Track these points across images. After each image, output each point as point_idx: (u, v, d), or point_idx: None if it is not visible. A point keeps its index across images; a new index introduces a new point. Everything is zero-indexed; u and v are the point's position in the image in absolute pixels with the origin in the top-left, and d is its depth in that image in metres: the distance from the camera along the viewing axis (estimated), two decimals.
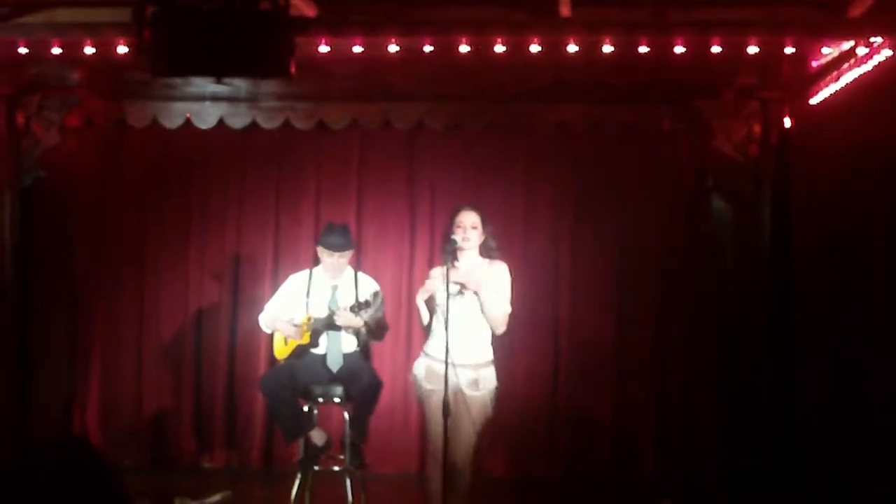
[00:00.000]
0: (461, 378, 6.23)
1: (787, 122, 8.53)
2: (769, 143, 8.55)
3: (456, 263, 6.42)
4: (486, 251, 6.55)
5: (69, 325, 9.60)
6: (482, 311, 6.36)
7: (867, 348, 7.31)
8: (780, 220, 8.58)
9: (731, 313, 9.08)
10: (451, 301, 6.15)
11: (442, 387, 6.08)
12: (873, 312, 7.23)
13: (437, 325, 6.37)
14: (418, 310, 6.49)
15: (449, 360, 6.03)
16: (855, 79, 7.43)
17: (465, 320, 6.32)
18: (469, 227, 6.45)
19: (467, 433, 6.26)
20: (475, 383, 6.31)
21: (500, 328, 6.44)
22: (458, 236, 6.39)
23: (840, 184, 7.73)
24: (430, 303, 6.43)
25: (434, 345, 6.40)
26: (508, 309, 6.45)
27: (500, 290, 6.42)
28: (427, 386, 6.38)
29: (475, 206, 6.62)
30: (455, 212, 6.56)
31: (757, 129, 8.57)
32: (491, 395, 6.39)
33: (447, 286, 6.14)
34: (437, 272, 6.44)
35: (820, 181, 8.08)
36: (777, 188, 8.60)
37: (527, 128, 9.27)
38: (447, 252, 6.32)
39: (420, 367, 6.47)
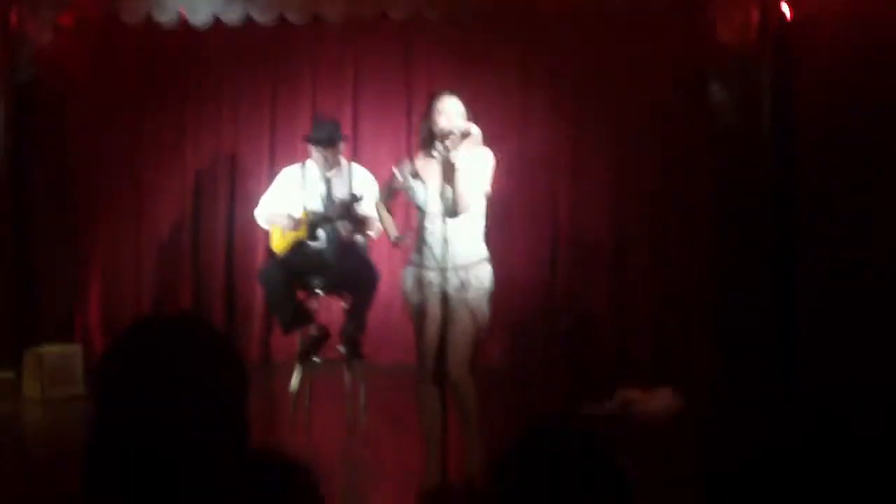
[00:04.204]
0: (450, 282, 5.62)
1: (787, 10, 8.41)
2: (768, 30, 8.45)
3: (442, 154, 5.62)
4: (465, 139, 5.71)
5: (68, 226, 9.55)
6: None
7: (872, 239, 7.24)
8: (781, 108, 8.50)
9: (730, 204, 9.02)
10: (433, 198, 5.63)
11: (430, 297, 5.67)
12: (878, 200, 7.16)
13: (423, 226, 5.78)
14: (381, 219, 6.13)
15: (433, 265, 5.62)
16: None
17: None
18: (454, 115, 5.67)
19: (459, 343, 5.65)
20: (463, 285, 5.67)
21: (461, 208, 5.60)
22: (443, 124, 5.61)
23: (841, 72, 7.61)
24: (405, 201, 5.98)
25: (419, 249, 5.80)
26: (477, 191, 5.68)
27: (473, 174, 5.64)
28: (414, 299, 5.83)
29: (456, 92, 5.80)
30: (436, 97, 5.79)
31: (755, 16, 8.47)
32: (483, 297, 5.76)
33: (444, 179, 5.54)
34: (412, 167, 5.85)
35: (821, 69, 7.95)
36: (777, 76, 8.51)
37: (523, 17, 9.15)
38: (440, 143, 5.58)
39: (407, 278, 5.88)
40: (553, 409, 7.38)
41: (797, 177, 8.40)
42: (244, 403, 2.04)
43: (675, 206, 9.22)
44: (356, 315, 7.45)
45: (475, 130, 5.78)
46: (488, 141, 5.89)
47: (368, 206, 7.34)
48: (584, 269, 9.28)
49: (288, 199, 7.63)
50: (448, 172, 5.59)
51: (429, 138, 5.77)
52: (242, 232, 9.40)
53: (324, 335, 7.55)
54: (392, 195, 6.08)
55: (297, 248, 7.55)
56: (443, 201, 5.60)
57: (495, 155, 5.82)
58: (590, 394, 7.18)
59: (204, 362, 1.99)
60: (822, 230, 7.94)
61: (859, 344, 7.14)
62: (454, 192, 5.59)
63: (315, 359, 7.50)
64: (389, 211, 6.17)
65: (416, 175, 5.84)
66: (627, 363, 9.07)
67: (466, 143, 5.76)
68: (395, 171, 5.98)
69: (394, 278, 8.79)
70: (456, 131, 5.67)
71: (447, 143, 5.63)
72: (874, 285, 7.08)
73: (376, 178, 7.62)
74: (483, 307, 5.79)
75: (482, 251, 5.84)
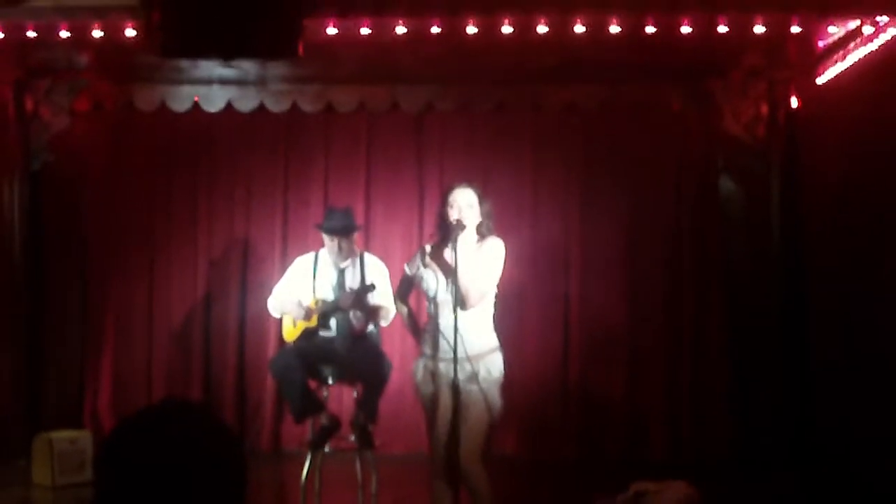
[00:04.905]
0: (461, 372, 5.61)
1: (795, 102, 8.54)
2: (777, 123, 8.58)
3: (450, 245, 5.66)
4: (481, 232, 5.88)
5: (79, 310, 9.59)
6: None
7: (880, 326, 7.29)
8: (790, 199, 8.59)
9: (742, 293, 9.09)
10: (443, 288, 5.75)
11: (442, 388, 5.72)
12: (885, 289, 7.22)
13: (434, 316, 5.86)
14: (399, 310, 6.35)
15: (444, 355, 5.69)
16: (861, 58, 7.43)
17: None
18: (465, 206, 5.78)
19: (471, 433, 5.65)
20: (474, 377, 5.67)
21: (468, 304, 5.65)
22: (454, 216, 5.74)
23: (848, 162, 7.72)
24: (418, 292, 6.11)
25: (429, 340, 5.90)
26: (486, 286, 5.75)
27: (483, 267, 5.75)
28: (425, 389, 5.91)
29: (471, 184, 5.95)
30: (449, 190, 5.94)
31: (765, 109, 8.60)
32: (495, 386, 5.78)
33: (453, 272, 5.59)
34: (424, 257, 5.93)
35: (828, 160, 8.07)
36: (786, 168, 8.60)
37: (534, 109, 9.27)
38: (450, 235, 5.66)
39: (417, 369, 5.98)
40: (567, 500, 7.34)
41: (806, 265, 8.46)
42: (243, 496, 2.06)
43: (687, 296, 9.26)
44: (367, 404, 7.41)
45: (488, 224, 5.91)
46: (499, 231, 5.98)
47: (380, 296, 7.37)
48: (597, 361, 9.28)
49: (300, 288, 7.65)
50: (457, 266, 5.63)
51: (441, 229, 5.85)
52: (254, 320, 9.39)
53: (335, 425, 7.51)
54: (409, 290, 6.21)
55: (309, 336, 7.54)
56: (452, 293, 5.66)
57: (507, 245, 5.91)
58: (603, 485, 7.13)
59: (200, 453, 2.01)
60: (834, 321, 7.98)
61: (876, 431, 7.15)
62: (462, 287, 5.64)
63: (326, 448, 7.47)
64: (407, 304, 6.30)
65: (427, 265, 5.91)
66: (641, 455, 9.06)
67: (478, 233, 5.89)
68: (407, 266, 6.13)
69: (406, 367, 8.84)
70: (467, 224, 5.78)
71: (457, 235, 5.70)
72: (887, 368, 7.11)
73: (388, 266, 7.67)
74: (495, 396, 5.80)
75: (493, 341, 5.87)
